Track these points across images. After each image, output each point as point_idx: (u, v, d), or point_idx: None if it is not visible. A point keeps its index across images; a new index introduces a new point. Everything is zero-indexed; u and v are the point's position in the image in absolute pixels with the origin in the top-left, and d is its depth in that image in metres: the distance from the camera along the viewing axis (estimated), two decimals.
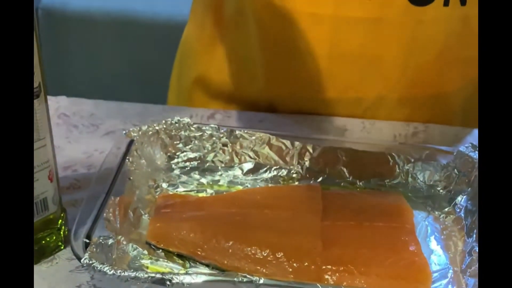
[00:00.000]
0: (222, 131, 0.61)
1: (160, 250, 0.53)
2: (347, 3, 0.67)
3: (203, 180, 0.61)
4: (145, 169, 0.59)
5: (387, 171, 0.61)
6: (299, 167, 0.61)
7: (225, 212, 0.56)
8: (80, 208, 0.51)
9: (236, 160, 0.62)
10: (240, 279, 0.45)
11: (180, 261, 0.52)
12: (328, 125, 0.74)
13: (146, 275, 0.45)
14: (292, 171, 0.62)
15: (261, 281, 0.45)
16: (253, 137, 0.61)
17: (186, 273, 0.46)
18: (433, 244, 0.55)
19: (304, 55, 0.72)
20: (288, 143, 0.61)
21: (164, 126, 0.61)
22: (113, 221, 0.51)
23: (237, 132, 0.61)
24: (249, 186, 0.61)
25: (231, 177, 0.61)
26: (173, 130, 0.61)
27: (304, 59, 0.73)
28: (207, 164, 0.62)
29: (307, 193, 0.58)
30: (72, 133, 0.70)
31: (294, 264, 0.50)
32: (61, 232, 0.53)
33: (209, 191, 0.60)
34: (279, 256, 0.51)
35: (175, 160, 0.62)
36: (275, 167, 0.62)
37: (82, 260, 0.46)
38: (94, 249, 0.47)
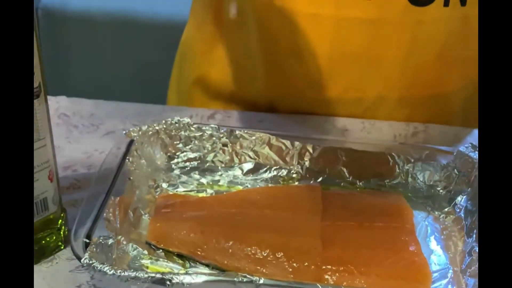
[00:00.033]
0: (222, 131, 0.61)
1: (160, 250, 0.53)
2: (347, 3, 0.67)
3: (203, 180, 0.61)
4: (145, 169, 0.59)
5: (387, 171, 0.61)
6: (299, 167, 0.61)
7: (225, 212, 0.56)
8: (80, 208, 0.51)
9: (236, 160, 0.62)
10: (240, 279, 0.45)
11: (180, 261, 0.52)
12: (328, 125, 0.74)
13: (146, 275, 0.45)
14: (292, 171, 0.62)
15: (261, 281, 0.45)
16: (253, 137, 0.61)
17: (186, 273, 0.46)
18: (433, 244, 0.55)
19: (304, 55, 0.72)
20: (288, 143, 0.61)
21: (164, 126, 0.61)
22: (113, 221, 0.51)
23: (237, 132, 0.61)
24: (249, 186, 0.61)
25: (231, 177, 0.61)
26: (173, 130, 0.61)
27: (304, 59, 0.73)
28: (207, 164, 0.62)
29: (307, 193, 0.58)
30: (72, 133, 0.70)
31: (294, 264, 0.50)
32: (61, 232, 0.53)
33: (209, 191, 0.60)
34: (279, 256, 0.51)
35: (175, 160, 0.62)
36: (275, 167, 0.62)
37: (82, 260, 0.46)
38: (94, 249, 0.47)
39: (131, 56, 1.60)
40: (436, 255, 0.54)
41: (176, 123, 0.61)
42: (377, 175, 0.61)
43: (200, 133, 0.61)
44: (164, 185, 0.60)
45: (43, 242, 0.52)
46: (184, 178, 0.61)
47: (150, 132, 0.60)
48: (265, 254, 0.51)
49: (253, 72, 0.77)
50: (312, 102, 0.76)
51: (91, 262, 0.45)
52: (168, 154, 0.62)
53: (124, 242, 0.51)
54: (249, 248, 0.51)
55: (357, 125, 0.74)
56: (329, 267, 0.50)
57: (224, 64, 0.79)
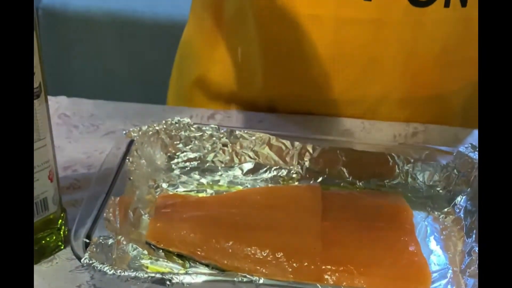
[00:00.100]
0: (222, 131, 0.62)
1: (160, 250, 0.53)
2: (348, 4, 0.67)
3: (203, 180, 0.61)
4: (145, 169, 0.59)
5: (386, 172, 0.61)
6: (299, 167, 0.61)
7: (225, 212, 0.56)
8: (80, 208, 0.51)
9: (236, 160, 0.62)
10: (240, 279, 0.45)
11: (180, 261, 0.52)
12: (328, 126, 0.74)
13: (146, 275, 0.45)
14: (292, 171, 0.62)
15: (261, 281, 0.45)
16: (253, 137, 0.61)
17: (186, 273, 0.46)
18: (433, 244, 0.55)
19: (304, 56, 0.72)
20: (288, 143, 0.61)
21: (164, 126, 0.61)
22: (113, 221, 0.51)
23: (237, 132, 0.61)
24: (249, 186, 0.61)
25: (231, 177, 0.62)
26: (173, 130, 0.61)
27: (305, 60, 0.73)
28: (207, 164, 0.62)
29: (307, 193, 0.58)
30: (72, 133, 0.70)
31: (294, 264, 0.50)
32: (61, 232, 0.53)
33: (209, 191, 0.60)
34: (279, 256, 0.51)
35: (175, 160, 0.62)
36: (275, 167, 0.62)
37: (82, 260, 0.46)
38: (94, 249, 0.47)
39: (131, 56, 1.60)
40: (436, 255, 0.54)
41: (176, 123, 0.61)
42: (377, 175, 0.61)
43: (200, 133, 0.62)
44: (164, 185, 0.60)
45: (43, 242, 0.52)
46: (184, 178, 0.61)
47: (150, 132, 0.60)
48: (264, 254, 0.51)
49: (253, 72, 0.77)
50: (312, 103, 0.76)
51: (91, 262, 0.45)
52: (168, 154, 0.62)
53: (124, 242, 0.51)
54: (249, 248, 0.51)
55: (357, 125, 0.74)
56: (329, 267, 0.50)
57: (224, 64, 0.79)
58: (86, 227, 0.49)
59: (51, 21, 1.57)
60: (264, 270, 0.50)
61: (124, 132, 0.60)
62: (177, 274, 0.46)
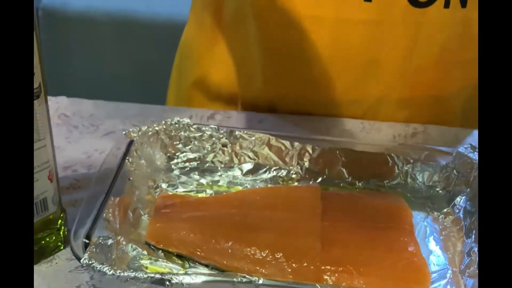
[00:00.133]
0: (222, 131, 0.62)
1: (160, 251, 0.53)
2: (347, 5, 0.67)
3: (203, 181, 0.61)
4: (144, 169, 0.59)
5: (386, 172, 0.61)
6: (299, 167, 0.61)
7: (224, 212, 0.56)
8: (79, 208, 0.51)
9: (235, 160, 0.62)
10: (239, 280, 0.45)
11: (180, 262, 0.52)
12: (327, 126, 0.74)
13: (145, 275, 0.45)
14: (291, 172, 0.62)
15: (260, 282, 0.45)
16: (253, 138, 0.61)
17: (186, 274, 0.46)
18: (432, 245, 0.55)
19: (304, 57, 0.72)
20: (287, 143, 0.61)
21: (164, 127, 0.61)
22: (113, 221, 0.51)
23: (236, 132, 0.61)
24: (248, 186, 0.61)
25: (231, 178, 0.62)
26: (173, 131, 0.61)
27: (305, 60, 0.73)
28: (207, 164, 0.62)
29: (307, 194, 0.58)
30: (72, 134, 0.70)
31: (293, 265, 0.50)
32: (61, 232, 0.53)
33: (209, 191, 0.60)
34: (278, 256, 0.51)
35: (175, 161, 0.62)
36: (274, 168, 0.62)
37: (81, 261, 0.46)
38: (94, 250, 0.47)
39: (131, 57, 1.60)
40: (435, 255, 0.54)
41: (175, 123, 0.61)
42: (377, 175, 0.61)
43: (200, 134, 0.62)
44: (164, 185, 0.60)
45: (43, 242, 0.52)
46: (183, 178, 0.61)
47: (150, 133, 0.60)
48: (264, 255, 0.51)
49: (253, 73, 0.77)
50: (312, 103, 0.76)
51: (90, 262, 0.46)
52: (168, 154, 0.62)
53: (124, 243, 0.51)
54: (249, 249, 0.51)
55: (357, 126, 0.74)
56: (328, 267, 0.50)
57: (224, 65, 0.79)
58: (86, 228, 0.49)
59: (51, 21, 1.57)
60: (263, 270, 0.50)
61: (123, 132, 0.60)
62: (177, 274, 0.46)
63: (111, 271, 0.45)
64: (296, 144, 0.61)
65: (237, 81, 0.79)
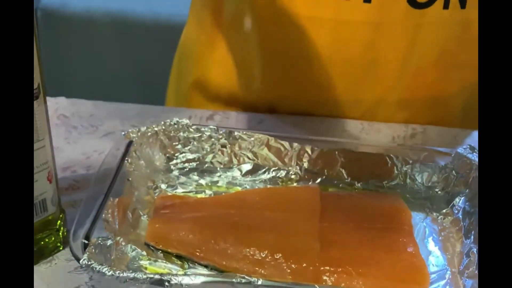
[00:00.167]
0: (221, 132, 0.62)
1: (159, 251, 0.53)
2: (347, 6, 0.67)
3: (202, 181, 0.61)
4: (144, 170, 0.59)
5: (385, 173, 0.61)
6: (298, 168, 0.62)
7: (223, 213, 0.56)
8: (79, 209, 0.51)
9: (234, 161, 0.62)
10: (239, 280, 0.45)
11: (179, 262, 0.52)
12: (326, 127, 0.74)
13: (144, 276, 0.45)
14: (290, 172, 0.62)
15: (259, 282, 0.45)
16: (252, 138, 0.61)
17: (185, 274, 0.46)
18: (431, 246, 0.55)
19: (303, 58, 0.72)
20: (286, 144, 0.61)
21: (163, 127, 0.61)
22: (112, 222, 0.51)
23: (235, 133, 0.61)
24: (247, 187, 0.61)
25: (230, 178, 0.62)
26: (172, 131, 0.61)
27: (304, 61, 0.73)
28: (206, 165, 0.62)
29: (306, 195, 0.58)
30: (71, 134, 0.70)
31: (293, 265, 0.50)
32: (60, 233, 0.53)
33: (208, 192, 0.60)
34: (278, 257, 0.51)
35: (174, 161, 0.62)
36: (273, 168, 0.62)
37: (81, 261, 0.46)
38: (93, 250, 0.47)
39: (130, 57, 1.60)
40: (434, 256, 0.54)
41: (175, 124, 0.61)
42: (376, 176, 0.61)
43: (199, 134, 0.62)
44: (163, 186, 0.60)
45: (42, 243, 0.52)
46: (183, 179, 0.61)
47: (149, 133, 0.60)
48: (263, 255, 0.51)
49: (252, 74, 0.77)
50: (312, 104, 0.76)
51: (89, 263, 0.46)
52: (167, 155, 0.62)
53: (123, 243, 0.51)
54: (248, 249, 0.51)
55: (356, 127, 0.74)
56: (327, 268, 0.50)
57: (223, 65, 0.79)
58: (85, 228, 0.49)
59: (50, 22, 1.57)
60: (262, 271, 0.50)
61: (123, 133, 0.60)
62: (176, 275, 0.46)
63: (110, 272, 0.45)
64: (295, 144, 0.61)
65: (236, 82, 0.79)
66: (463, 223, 0.56)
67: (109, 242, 0.49)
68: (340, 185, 0.61)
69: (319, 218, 0.55)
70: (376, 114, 0.76)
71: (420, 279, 0.51)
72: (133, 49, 1.59)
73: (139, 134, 0.60)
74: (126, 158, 0.57)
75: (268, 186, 0.61)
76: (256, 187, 0.61)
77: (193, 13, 0.83)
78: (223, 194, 0.60)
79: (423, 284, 0.50)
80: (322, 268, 0.50)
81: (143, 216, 0.56)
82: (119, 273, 0.45)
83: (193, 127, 0.62)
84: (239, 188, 0.61)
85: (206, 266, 0.52)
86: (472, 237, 0.53)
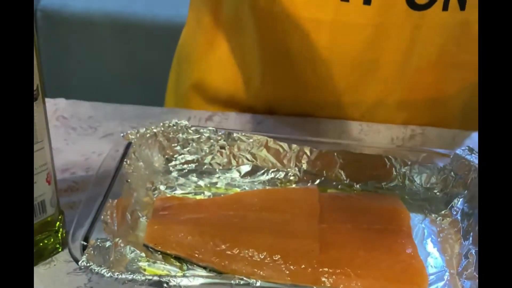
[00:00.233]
0: (220, 133, 0.62)
1: (158, 253, 0.53)
2: (347, 8, 0.67)
3: (201, 183, 0.61)
4: (143, 171, 0.59)
5: (384, 174, 0.61)
6: (297, 169, 0.62)
7: (222, 214, 0.56)
8: (78, 211, 0.51)
9: (233, 162, 0.62)
10: (237, 282, 0.45)
11: (178, 264, 0.52)
12: (325, 128, 0.74)
13: (143, 278, 0.45)
14: (289, 174, 0.62)
15: (258, 284, 0.45)
16: (251, 140, 0.61)
17: (184, 276, 0.46)
18: (430, 247, 0.55)
19: (303, 59, 0.72)
20: (285, 145, 0.61)
21: (162, 129, 0.61)
22: (111, 223, 0.51)
23: (234, 134, 0.61)
24: (246, 188, 0.61)
25: (229, 180, 0.62)
26: (171, 133, 0.61)
27: (303, 63, 0.73)
28: (205, 166, 0.62)
29: (305, 196, 0.58)
30: (70, 136, 0.70)
31: (291, 267, 0.50)
32: (59, 235, 0.53)
33: (207, 193, 0.60)
34: (276, 258, 0.51)
35: (173, 163, 0.62)
36: (272, 170, 0.62)
37: (79, 263, 0.46)
38: (92, 252, 0.47)
39: (129, 58, 1.60)
40: (433, 257, 0.54)
41: (174, 125, 0.61)
42: (374, 177, 0.61)
43: (198, 136, 0.62)
44: (162, 187, 0.60)
45: (41, 244, 0.52)
46: (181, 180, 0.61)
47: (148, 135, 0.60)
48: (262, 257, 0.51)
49: (251, 75, 0.77)
50: (310, 105, 0.76)
51: (88, 264, 0.46)
52: (166, 156, 0.62)
53: (122, 245, 0.51)
54: (246, 251, 0.51)
55: (355, 128, 0.74)
56: (326, 269, 0.50)
57: (222, 67, 0.79)
58: (84, 230, 0.49)
59: (49, 23, 1.58)
60: (261, 272, 0.50)
61: (122, 134, 0.60)
62: (175, 276, 0.46)
63: (109, 273, 0.45)
64: (294, 146, 0.61)
65: (235, 83, 0.79)
66: (462, 225, 0.56)
67: (108, 243, 0.49)
68: (339, 186, 0.61)
69: (318, 219, 0.55)
70: (375, 115, 0.76)
71: (419, 281, 0.51)
72: (132, 50, 1.59)
73: (138, 135, 0.60)
74: (125, 160, 0.57)
75: (267, 187, 0.61)
76: (255, 189, 0.61)
77: (192, 15, 0.83)
78: (222, 195, 0.60)
79: (422, 285, 0.50)
80: (320, 269, 0.50)
81: (142, 217, 0.56)
82: (117, 275, 0.45)
83: (192, 128, 0.62)
84: (238, 190, 0.61)
85: (204, 268, 0.52)
86: (471, 238, 0.53)
